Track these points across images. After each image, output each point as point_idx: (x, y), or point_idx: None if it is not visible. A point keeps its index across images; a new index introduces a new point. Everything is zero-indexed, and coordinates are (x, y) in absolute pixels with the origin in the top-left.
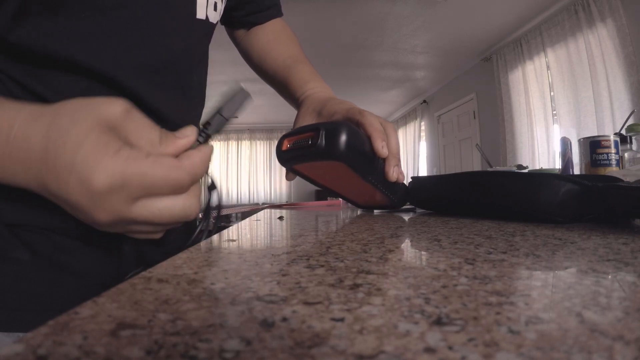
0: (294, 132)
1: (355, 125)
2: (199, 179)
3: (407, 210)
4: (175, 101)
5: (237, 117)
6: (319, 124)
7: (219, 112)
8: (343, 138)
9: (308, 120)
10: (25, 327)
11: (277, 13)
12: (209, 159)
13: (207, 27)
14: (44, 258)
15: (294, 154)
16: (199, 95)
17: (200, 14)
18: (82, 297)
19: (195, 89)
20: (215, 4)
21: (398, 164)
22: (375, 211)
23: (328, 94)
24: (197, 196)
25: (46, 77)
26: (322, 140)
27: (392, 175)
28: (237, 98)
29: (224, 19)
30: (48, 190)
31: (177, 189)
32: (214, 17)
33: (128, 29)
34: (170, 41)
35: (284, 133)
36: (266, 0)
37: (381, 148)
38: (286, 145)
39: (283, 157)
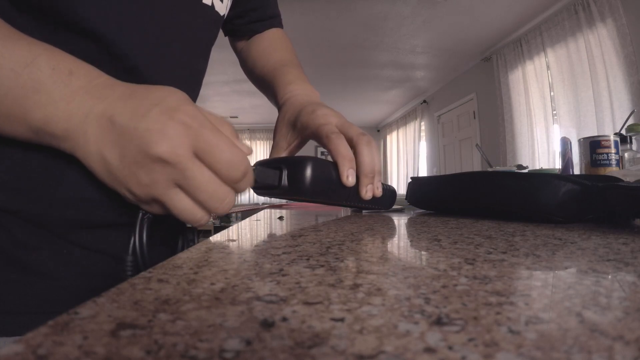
0: (262, 165)
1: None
2: (243, 184)
3: (395, 211)
4: (178, 78)
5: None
6: (283, 160)
7: (255, 175)
8: (306, 178)
9: (284, 132)
10: None
11: (277, 24)
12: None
13: (213, 15)
14: (1, 254)
15: (263, 191)
16: (197, 87)
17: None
18: (53, 301)
19: (198, 77)
20: None
21: (372, 182)
22: (364, 212)
23: (306, 98)
24: (234, 196)
25: (44, 33)
26: (285, 181)
27: (366, 195)
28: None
29: (228, 30)
30: (112, 117)
31: (230, 171)
32: (220, 7)
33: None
34: (176, 19)
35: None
36: (268, 10)
37: (346, 179)
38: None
39: (255, 191)
